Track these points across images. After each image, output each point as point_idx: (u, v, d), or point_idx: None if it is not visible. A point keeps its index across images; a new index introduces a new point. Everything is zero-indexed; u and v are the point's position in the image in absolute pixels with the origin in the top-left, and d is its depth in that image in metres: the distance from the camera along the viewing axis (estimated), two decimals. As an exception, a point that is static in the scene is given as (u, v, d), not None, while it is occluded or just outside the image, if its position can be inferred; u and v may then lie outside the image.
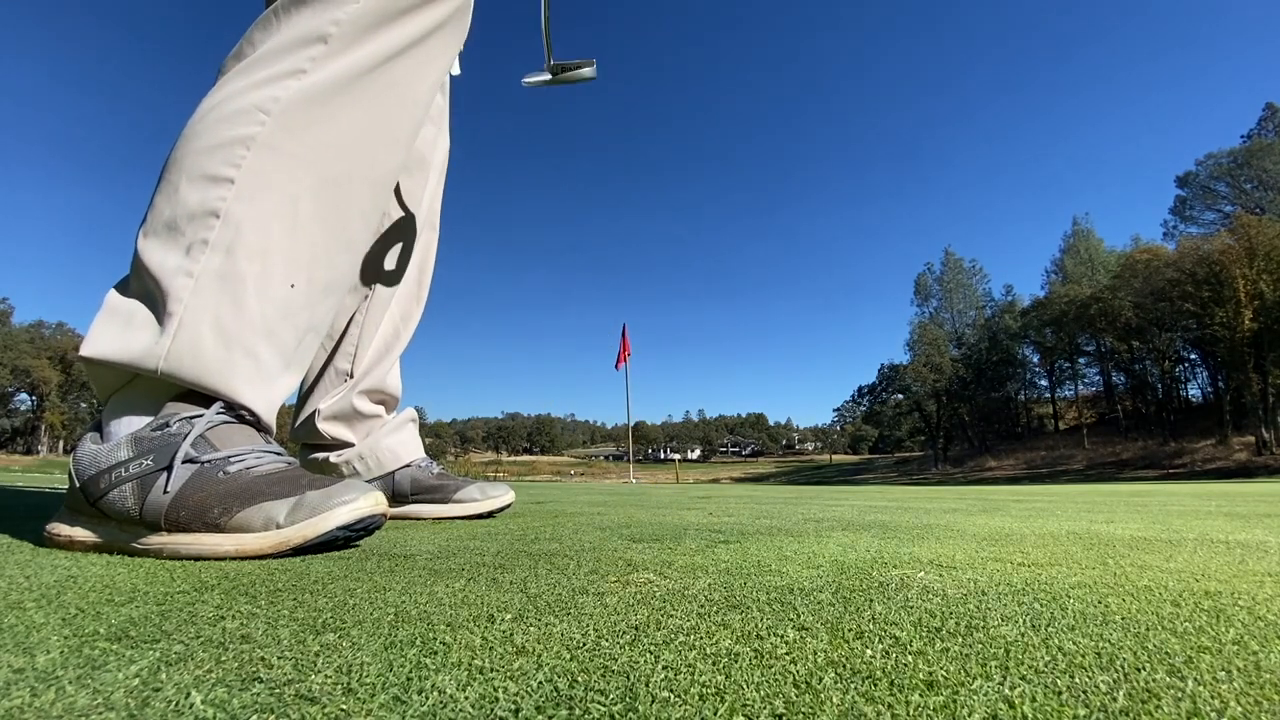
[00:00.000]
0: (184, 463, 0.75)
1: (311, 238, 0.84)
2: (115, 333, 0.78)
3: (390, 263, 1.32)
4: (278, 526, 0.74)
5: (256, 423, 0.84)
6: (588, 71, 1.31)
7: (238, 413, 0.82)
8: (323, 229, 0.84)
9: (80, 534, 0.79)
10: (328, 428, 1.29)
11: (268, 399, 0.84)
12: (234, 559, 0.73)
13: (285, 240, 0.82)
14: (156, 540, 0.75)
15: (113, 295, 0.81)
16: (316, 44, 0.81)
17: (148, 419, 0.79)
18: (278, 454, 0.82)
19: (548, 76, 1.31)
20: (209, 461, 0.76)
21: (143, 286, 0.79)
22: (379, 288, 1.32)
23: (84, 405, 72.12)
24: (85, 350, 0.78)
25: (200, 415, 0.78)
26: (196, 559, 0.73)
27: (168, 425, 0.77)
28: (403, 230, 1.33)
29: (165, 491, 0.74)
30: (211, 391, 0.79)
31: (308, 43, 0.81)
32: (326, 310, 0.90)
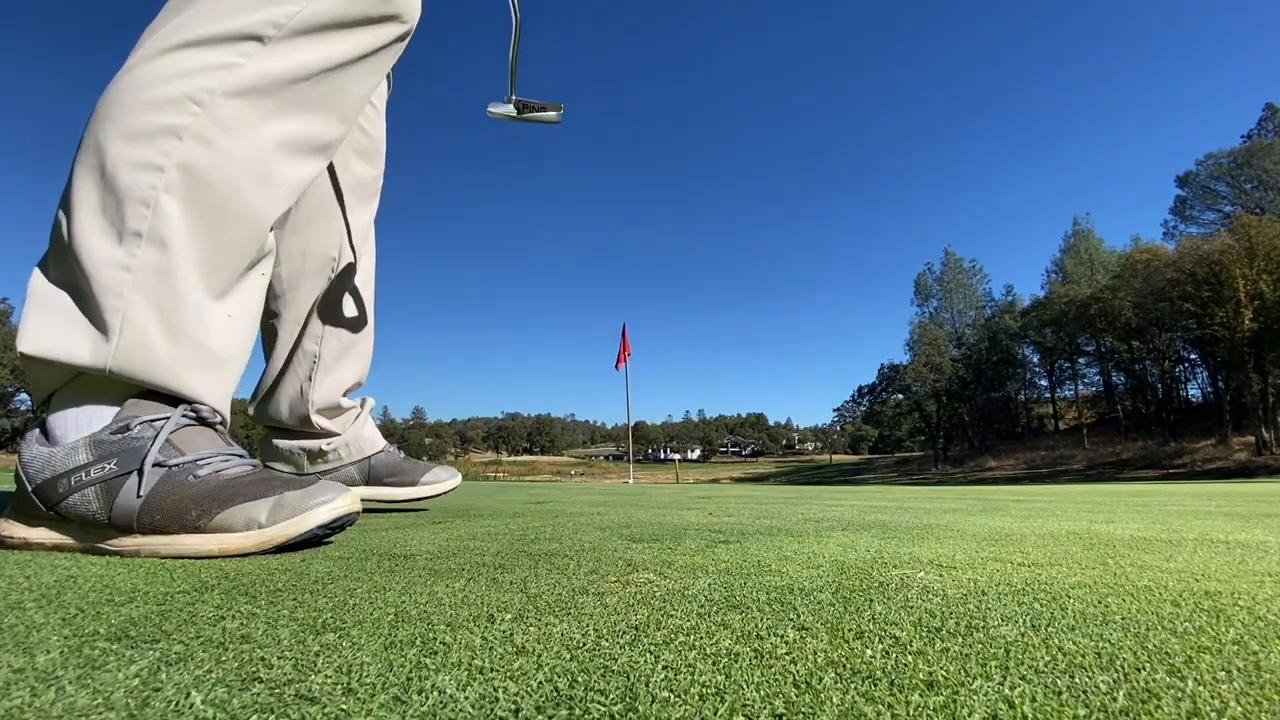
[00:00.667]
0: (154, 466, 0.75)
1: (234, 233, 0.83)
2: (55, 328, 0.75)
3: (343, 251, 1.35)
4: (260, 526, 0.75)
5: (216, 421, 0.83)
6: (552, 115, 1.35)
7: (198, 414, 0.81)
8: (239, 225, 0.83)
9: (38, 536, 0.77)
10: (321, 420, 1.35)
11: (221, 391, 0.84)
12: (216, 558, 0.74)
13: (212, 234, 0.81)
14: (131, 542, 0.74)
15: (40, 282, 0.77)
16: (251, 41, 0.80)
17: (102, 421, 0.77)
18: (241, 456, 0.82)
19: (513, 110, 1.34)
20: (177, 465, 0.76)
21: (71, 275, 0.76)
22: (334, 276, 1.34)
23: (84, 405, 71.98)
24: (25, 347, 0.74)
25: (163, 419, 0.77)
26: (177, 558, 0.73)
27: (128, 429, 0.76)
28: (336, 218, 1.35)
29: (137, 495, 0.74)
30: (166, 389, 0.78)
31: (242, 38, 0.80)
32: (251, 301, 0.89)
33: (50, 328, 0.75)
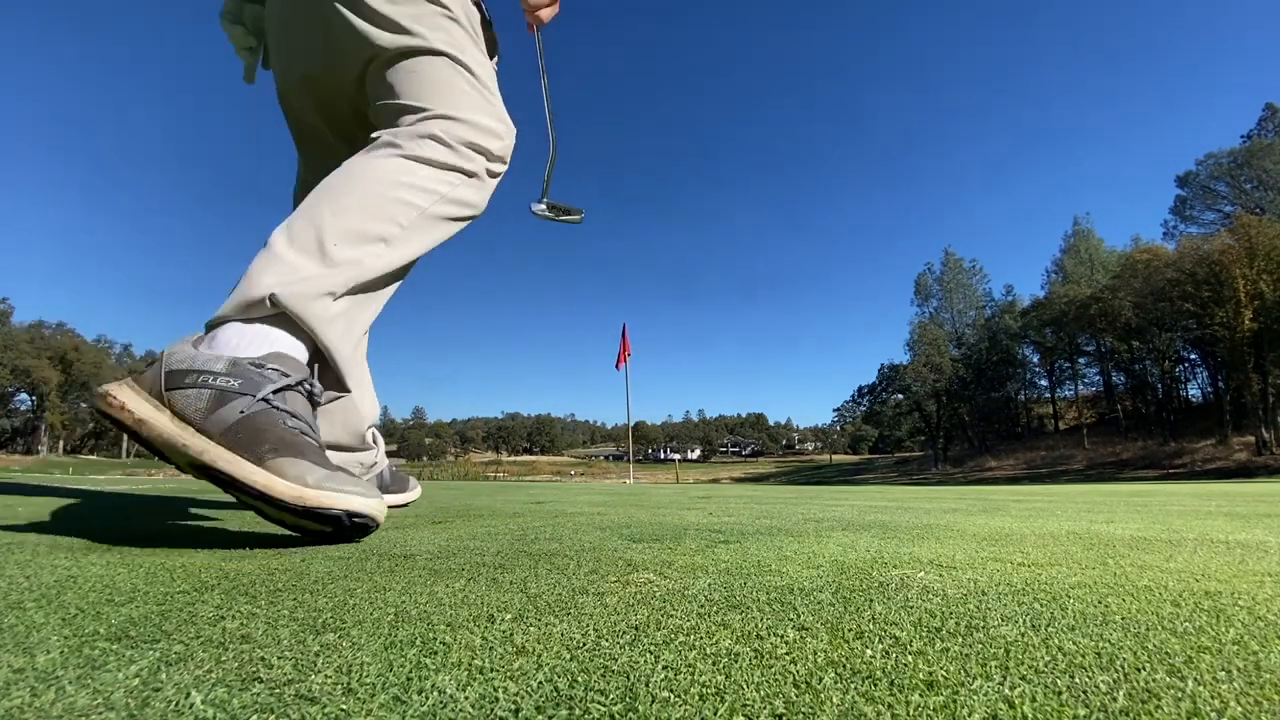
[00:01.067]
0: (262, 399, 0.88)
1: (396, 283, 1.15)
2: (297, 289, 0.96)
3: None
4: (304, 484, 0.83)
5: (319, 403, 1.00)
6: (576, 217, 1.77)
7: (310, 389, 0.96)
8: (399, 280, 1.17)
9: (134, 405, 0.85)
10: (369, 437, 1.54)
11: (350, 383, 1.07)
12: (253, 494, 0.81)
13: (395, 282, 1.13)
14: (201, 443, 0.83)
15: (287, 252, 1.00)
16: (460, 174, 1.16)
17: (251, 353, 0.92)
18: (317, 438, 0.94)
19: (548, 210, 1.70)
20: (278, 408, 0.89)
21: (315, 266, 1.00)
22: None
23: (83, 405, 72.13)
24: (278, 290, 0.94)
25: (290, 376, 0.92)
26: (225, 476, 0.81)
27: (263, 367, 0.91)
28: None
29: (240, 412, 0.85)
30: (331, 359, 1.01)
31: (458, 171, 1.15)
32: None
33: (295, 287, 0.96)
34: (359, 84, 1.23)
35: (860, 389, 61.22)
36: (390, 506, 1.57)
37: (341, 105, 1.30)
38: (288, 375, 0.92)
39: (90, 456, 71.60)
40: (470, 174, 1.17)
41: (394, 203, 1.09)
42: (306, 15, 1.23)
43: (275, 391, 0.89)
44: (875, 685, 0.34)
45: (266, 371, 0.90)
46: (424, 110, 1.15)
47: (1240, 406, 35.21)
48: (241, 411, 0.85)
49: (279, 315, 0.95)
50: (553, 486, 6.27)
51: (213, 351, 0.90)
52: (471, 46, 1.27)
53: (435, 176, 1.13)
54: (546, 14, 1.49)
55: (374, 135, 1.15)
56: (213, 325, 0.95)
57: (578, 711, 0.31)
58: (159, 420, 0.85)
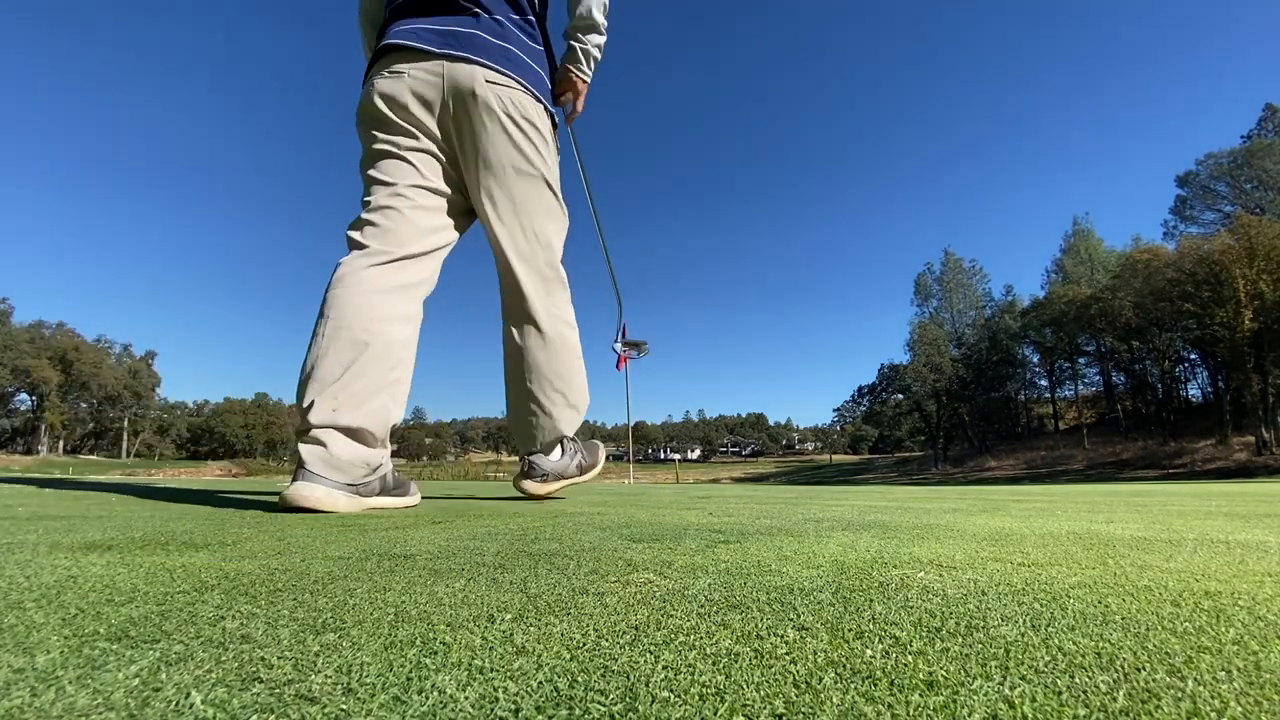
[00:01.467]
0: (586, 470, 2.00)
1: None
2: (571, 425, 1.93)
3: None
4: (597, 465, 2.02)
5: None
6: (645, 351, 3.56)
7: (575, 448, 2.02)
8: None
9: (549, 487, 1.92)
10: (385, 436, 1.66)
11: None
12: (587, 482, 2.08)
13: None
14: (581, 477, 1.99)
15: (565, 411, 1.90)
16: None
17: (560, 445, 1.92)
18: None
19: (625, 350, 2.78)
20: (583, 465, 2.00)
21: (576, 414, 1.93)
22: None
23: (84, 405, 72.15)
24: (568, 430, 1.92)
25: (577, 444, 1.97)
26: (585, 483, 2.03)
27: (572, 445, 1.94)
28: None
29: (581, 462, 1.96)
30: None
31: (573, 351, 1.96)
32: None
33: (569, 420, 1.93)
34: (472, 168, 1.68)
35: (860, 389, 61.13)
36: (390, 509, 1.58)
37: (448, 168, 1.72)
38: (576, 442, 1.95)
39: (90, 456, 71.62)
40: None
41: (577, 356, 1.90)
42: (477, 119, 1.63)
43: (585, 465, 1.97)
44: (875, 685, 0.34)
45: (572, 447, 1.94)
46: (551, 260, 1.83)
47: (1240, 406, 35.17)
48: (580, 464, 1.95)
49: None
50: (553, 486, 6.25)
51: (561, 457, 1.90)
52: (556, 167, 1.78)
53: (576, 334, 1.93)
54: (580, 105, 1.94)
55: (534, 313, 1.81)
56: (537, 450, 1.89)
57: (578, 711, 0.31)
58: (557, 486, 1.91)
